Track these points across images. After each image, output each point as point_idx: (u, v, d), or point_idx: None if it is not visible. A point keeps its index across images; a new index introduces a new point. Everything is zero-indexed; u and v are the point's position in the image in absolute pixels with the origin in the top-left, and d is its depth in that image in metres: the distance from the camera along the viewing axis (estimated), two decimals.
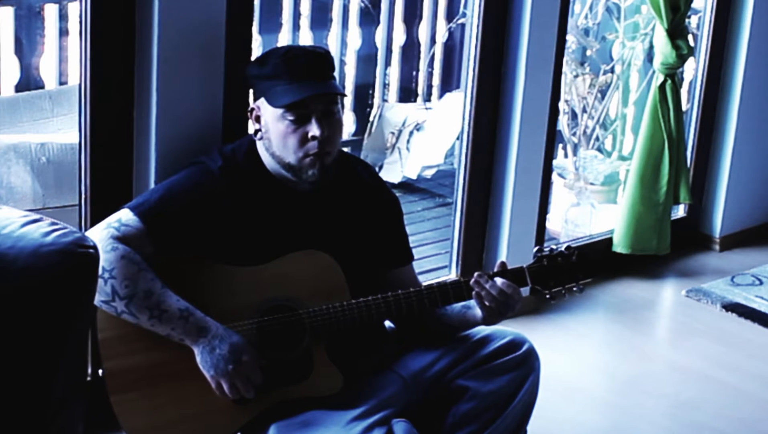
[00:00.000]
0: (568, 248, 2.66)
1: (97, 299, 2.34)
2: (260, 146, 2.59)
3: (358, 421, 2.41)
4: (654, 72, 4.55)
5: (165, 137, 2.87)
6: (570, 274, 2.64)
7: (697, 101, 4.88)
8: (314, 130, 2.49)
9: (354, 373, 2.55)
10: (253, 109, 2.59)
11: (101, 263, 2.29)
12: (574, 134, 5.24)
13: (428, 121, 5.73)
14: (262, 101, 2.55)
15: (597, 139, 5.26)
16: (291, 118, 2.49)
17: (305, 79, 2.50)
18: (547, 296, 2.64)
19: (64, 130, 4.53)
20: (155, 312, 2.37)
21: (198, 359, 2.40)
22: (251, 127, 2.65)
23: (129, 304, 2.36)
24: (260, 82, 2.57)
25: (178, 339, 2.39)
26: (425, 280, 3.85)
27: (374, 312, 2.51)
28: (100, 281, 2.34)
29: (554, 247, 2.67)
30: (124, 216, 2.46)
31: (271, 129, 2.52)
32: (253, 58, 2.68)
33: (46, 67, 4.88)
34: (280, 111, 2.50)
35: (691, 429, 3.45)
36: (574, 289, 2.65)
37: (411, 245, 2.82)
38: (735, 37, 4.80)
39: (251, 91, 2.65)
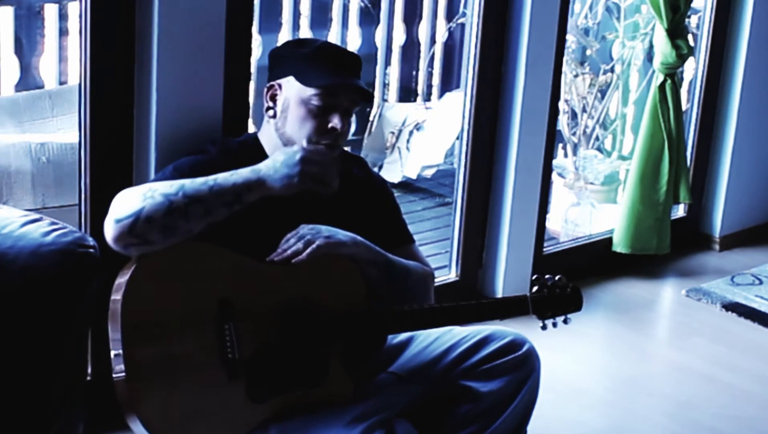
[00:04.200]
0: (561, 279, 2.69)
1: (154, 215, 2.27)
2: (264, 131, 2.59)
3: (359, 422, 2.41)
4: (654, 72, 4.55)
5: (165, 136, 2.87)
6: (564, 305, 2.69)
7: (697, 101, 4.88)
8: (336, 122, 2.49)
9: (357, 375, 2.55)
10: (272, 86, 2.57)
11: (141, 205, 2.26)
12: (574, 134, 5.24)
13: (428, 120, 5.73)
14: (288, 80, 2.53)
15: (597, 139, 5.26)
16: (318, 103, 2.49)
17: (342, 72, 2.53)
18: (541, 326, 2.69)
19: (64, 130, 4.53)
20: (209, 182, 2.33)
21: (270, 183, 2.36)
22: (251, 126, 2.64)
23: (184, 192, 2.31)
24: (294, 60, 2.55)
25: (245, 185, 2.34)
26: None
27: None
28: (150, 204, 2.28)
29: (552, 276, 2.69)
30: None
31: (291, 108, 2.51)
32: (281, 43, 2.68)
33: (46, 67, 4.88)
34: (308, 93, 2.49)
35: (690, 429, 3.45)
36: (564, 321, 2.71)
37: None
38: (735, 37, 4.80)
39: (272, 70, 2.61)
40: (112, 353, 2.27)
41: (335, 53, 2.58)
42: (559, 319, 2.69)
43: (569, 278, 2.71)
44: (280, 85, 2.55)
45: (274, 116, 2.56)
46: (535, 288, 2.66)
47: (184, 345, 2.33)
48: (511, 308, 2.69)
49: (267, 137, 2.59)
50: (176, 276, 2.34)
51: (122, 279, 2.29)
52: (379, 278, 2.54)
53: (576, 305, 2.71)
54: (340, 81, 2.50)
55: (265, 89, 2.59)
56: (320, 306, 2.46)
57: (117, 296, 2.28)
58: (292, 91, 2.52)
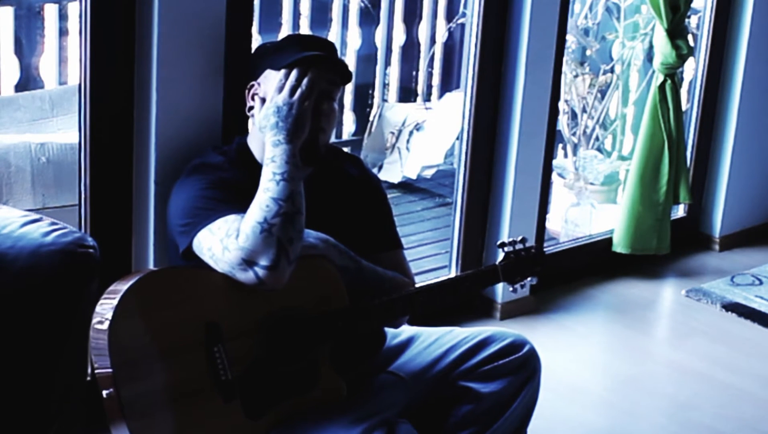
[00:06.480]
0: (523, 240, 2.74)
1: (289, 233, 2.32)
2: (251, 135, 2.60)
3: (359, 422, 2.40)
4: (654, 72, 4.55)
5: (165, 137, 2.87)
6: (530, 267, 2.74)
7: (697, 101, 4.88)
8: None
9: (354, 376, 2.55)
10: (252, 85, 2.59)
11: (273, 237, 2.29)
12: (574, 134, 5.24)
13: (428, 121, 5.73)
14: (265, 74, 2.55)
15: (597, 139, 5.26)
16: None
17: (314, 50, 2.54)
18: (511, 290, 2.74)
19: (64, 130, 4.53)
20: (275, 177, 2.37)
21: (293, 135, 2.42)
22: (250, 126, 2.64)
23: (280, 198, 2.34)
24: (267, 54, 2.59)
25: (291, 154, 2.40)
26: (425, 280, 3.85)
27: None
28: (276, 230, 2.31)
29: (514, 240, 2.73)
30: (218, 231, 2.37)
31: (269, 99, 2.50)
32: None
33: (46, 67, 4.88)
34: (281, 75, 2.50)
35: (690, 429, 3.45)
36: (531, 282, 2.76)
37: (411, 245, 2.82)
38: (735, 37, 4.80)
39: (252, 72, 2.63)
40: (104, 392, 2.22)
41: (304, 37, 2.65)
42: (527, 281, 2.76)
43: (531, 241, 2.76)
44: (259, 83, 2.57)
45: (254, 115, 2.55)
46: (501, 256, 2.71)
47: (176, 374, 2.29)
48: (483, 280, 2.78)
49: (253, 140, 2.60)
50: (160, 306, 2.30)
51: (104, 311, 2.23)
52: (349, 285, 2.52)
53: (540, 264, 2.76)
54: (310, 53, 2.51)
55: (246, 90, 2.61)
56: (302, 312, 2.44)
57: (102, 335, 2.22)
58: (269, 83, 2.53)
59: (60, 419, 2.21)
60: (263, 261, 2.30)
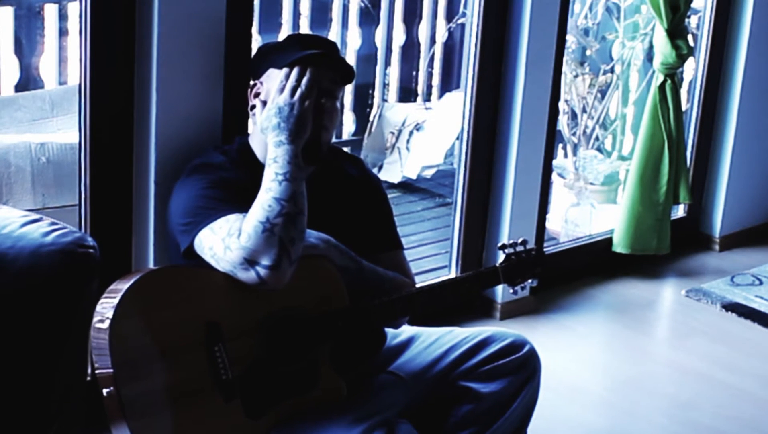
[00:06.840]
0: (524, 242, 2.74)
1: (291, 233, 2.33)
2: (253, 135, 2.60)
3: (359, 422, 2.40)
4: (654, 72, 4.55)
5: (165, 137, 2.87)
6: (531, 268, 2.74)
7: (697, 101, 4.88)
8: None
9: (354, 376, 2.55)
10: (255, 84, 2.59)
11: (275, 237, 2.30)
12: (573, 134, 5.24)
13: (428, 121, 5.73)
14: (268, 74, 2.56)
15: (597, 139, 5.26)
16: None
17: (314, 49, 2.54)
18: (511, 291, 2.73)
19: (64, 130, 4.53)
20: (278, 178, 2.38)
21: (295, 135, 2.43)
22: (250, 126, 2.64)
23: (282, 198, 2.35)
24: (270, 54, 2.60)
25: (293, 154, 2.41)
26: (425, 280, 3.85)
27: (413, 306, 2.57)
28: (278, 229, 2.31)
29: (514, 241, 2.73)
30: (220, 231, 2.37)
31: (272, 98, 2.51)
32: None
33: (46, 67, 4.88)
34: (282, 76, 2.50)
35: (690, 429, 3.45)
36: (532, 283, 2.76)
37: (411, 245, 2.82)
38: (735, 37, 4.80)
39: (253, 72, 2.64)
40: (104, 391, 2.22)
41: (306, 37, 2.66)
42: (528, 283, 2.76)
43: (533, 242, 2.75)
44: (261, 83, 2.58)
45: (256, 114, 2.56)
46: (502, 258, 2.71)
47: (177, 374, 2.29)
48: (484, 282, 2.78)
49: (255, 139, 2.60)
50: (160, 306, 2.30)
51: (104, 311, 2.23)
52: (349, 285, 2.52)
53: (540, 266, 2.76)
54: (312, 51, 2.52)
55: (249, 90, 2.61)
56: (302, 312, 2.44)
57: (103, 334, 2.22)
58: (272, 82, 2.54)
59: (60, 419, 2.21)
60: (265, 261, 2.30)
